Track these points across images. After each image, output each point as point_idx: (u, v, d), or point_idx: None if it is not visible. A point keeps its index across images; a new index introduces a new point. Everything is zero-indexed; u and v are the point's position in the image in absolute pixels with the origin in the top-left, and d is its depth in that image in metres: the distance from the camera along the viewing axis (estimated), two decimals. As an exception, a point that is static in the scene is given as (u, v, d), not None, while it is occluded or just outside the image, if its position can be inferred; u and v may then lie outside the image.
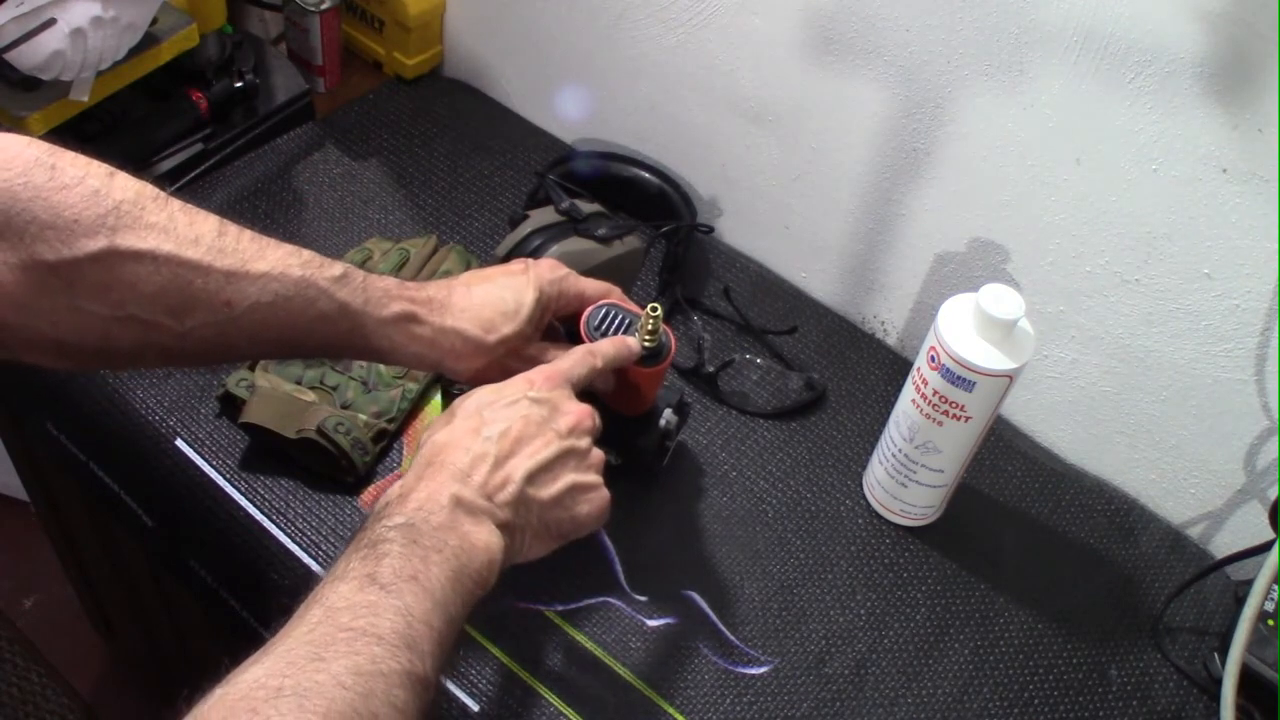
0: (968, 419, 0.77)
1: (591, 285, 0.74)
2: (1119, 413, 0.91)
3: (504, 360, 0.70)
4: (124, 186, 0.58)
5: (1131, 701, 0.80)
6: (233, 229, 0.61)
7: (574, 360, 0.68)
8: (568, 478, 0.64)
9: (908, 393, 0.79)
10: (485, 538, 0.58)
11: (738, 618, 0.80)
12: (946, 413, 0.77)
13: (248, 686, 0.45)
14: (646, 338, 0.72)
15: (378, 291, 0.65)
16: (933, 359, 0.75)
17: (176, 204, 0.60)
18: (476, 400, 0.64)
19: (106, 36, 0.85)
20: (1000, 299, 0.72)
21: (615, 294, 0.75)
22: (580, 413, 0.66)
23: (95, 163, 0.58)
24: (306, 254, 0.64)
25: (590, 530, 0.68)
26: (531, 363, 0.70)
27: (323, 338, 0.65)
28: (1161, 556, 0.90)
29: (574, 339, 0.74)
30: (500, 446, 0.62)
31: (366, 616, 0.50)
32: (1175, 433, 0.88)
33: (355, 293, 0.64)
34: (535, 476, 0.62)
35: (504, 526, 0.60)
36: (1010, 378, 0.74)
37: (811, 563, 0.84)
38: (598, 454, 0.67)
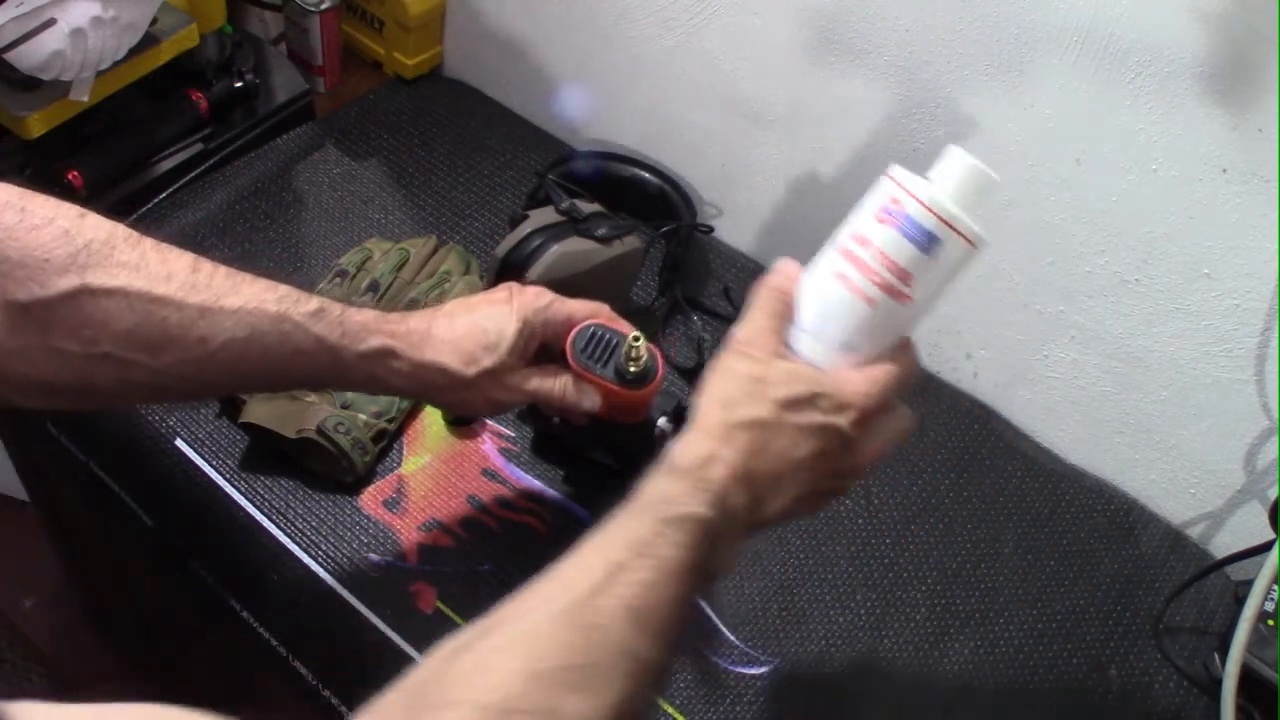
0: (908, 300, 0.59)
1: (579, 307, 0.73)
2: (1119, 413, 0.91)
3: (486, 391, 0.70)
4: (95, 226, 0.58)
5: (1131, 701, 0.80)
6: (207, 265, 0.61)
7: (894, 385, 0.60)
8: (808, 507, 0.61)
9: (827, 265, 0.61)
10: (734, 550, 0.58)
11: (738, 618, 0.80)
12: (886, 287, 0.59)
13: (527, 656, 0.48)
14: (631, 365, 0.72)
15: (355, 325, 0.65)
16: (889, 212, 0.59)
17: (149, 243, 0.60)
18: (794, 402, 0.58)
19: (106, 36, 0.85)
20: (981, 163, 0.60)
21: (604, 313, 0.74)
22: (865, 462, 0.61)
23: (66, 204, 0.58)
24: (283, 289, 0.63)
25: None
26: (515, 391, 0.70)
27: (302, 372, 0.65)
28: (1161, 556, 0.90)
29: (564, 361, 0.73)
30: (788, 468, 0.58)
31: (643, 596, 0.51)
32: (1175, 433, 0.88)
33: (332, 327, 0.64)
34: (788, 505, 0.59)
35: (746, 533, 0.59)
36: (974, 246, 0.59)
37: (811, 563, 0.84)
38: (843, 490, 0.63)
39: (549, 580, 0.52)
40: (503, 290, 0.72)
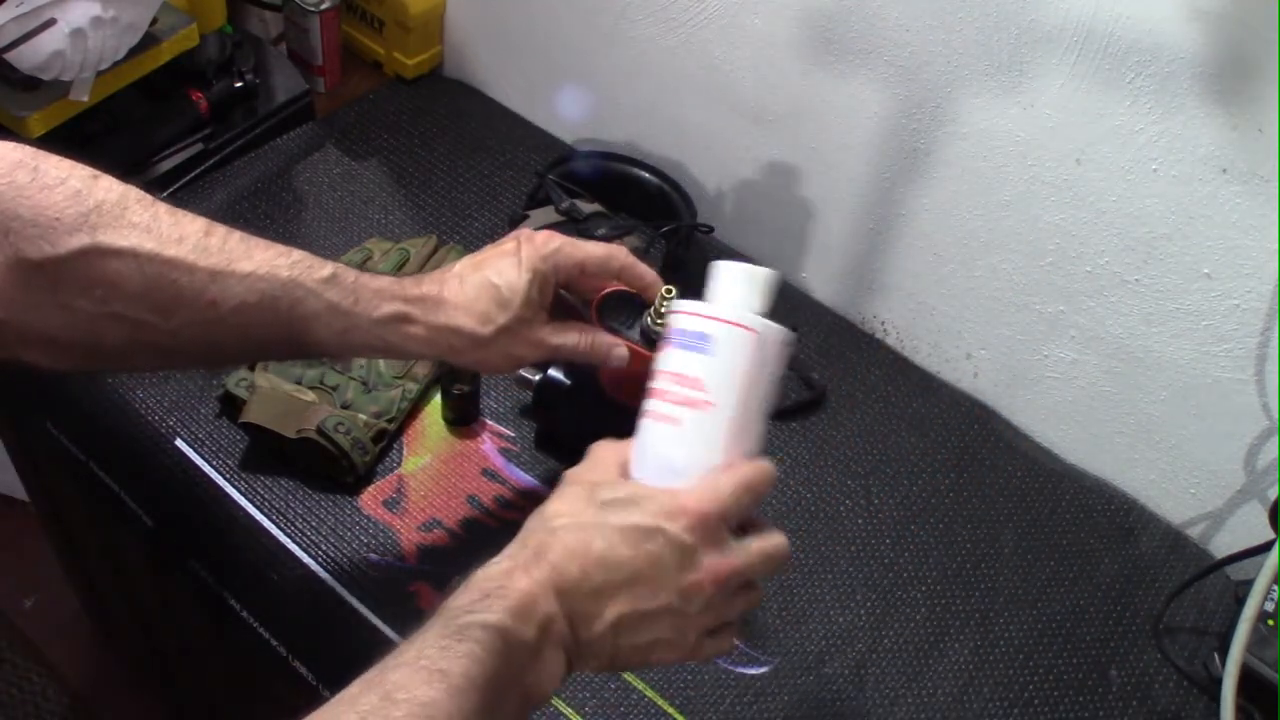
0: (710, 405, 0.58)
1: (593, 251, 0.70)
2: (1119, 413, 0.91)
3: (506, 348, 0.68)
4: (107, 188, 0.58)
5: (1131, 701, 0.80)
6: (220, 230, 0.61)
7: (734, 489, 0.57)
8: (656, 633, 0.56)
9: (641, 415, 0.61)
10: (556, 670, 0.54)
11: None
12: (683, 401, 0.58)
13: None
14: (658, 320, 0.71)
15: (369, 292, 0.65)
16: (667, 337, 0.60)
17: (163, 206, 0.60)
18: (617, 503, 0.56)
19: (106, 36, 0.85)
20: (743, 265, 0.60)
21: (619, 255, 0.71)
22: (711, 577, 0.55)
23: (79, 165, 0.58)
24: (296, 254, 0.63)
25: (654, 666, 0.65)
26: (538, 346, 0.69)
27: (316, 338, 0.64)
28: (1161, 556, 0.90)
29: (587, 309, 0.72)
30: (609, 577, 0.54)
31: (422, 714, 0.47)
32: (1175, 433, 0.88)
33: (345, 294, 0.64)
34: (624, 623, 0.55)
35: (574, 656, 0.55)
36: (755, 332, 0.58)
37: (811, 563, 0.84)
38: (704, 619, 0.57)
39: (324, 710, 0.48)
40: (511, 241, 0.70)
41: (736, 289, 0.60)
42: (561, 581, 0.54)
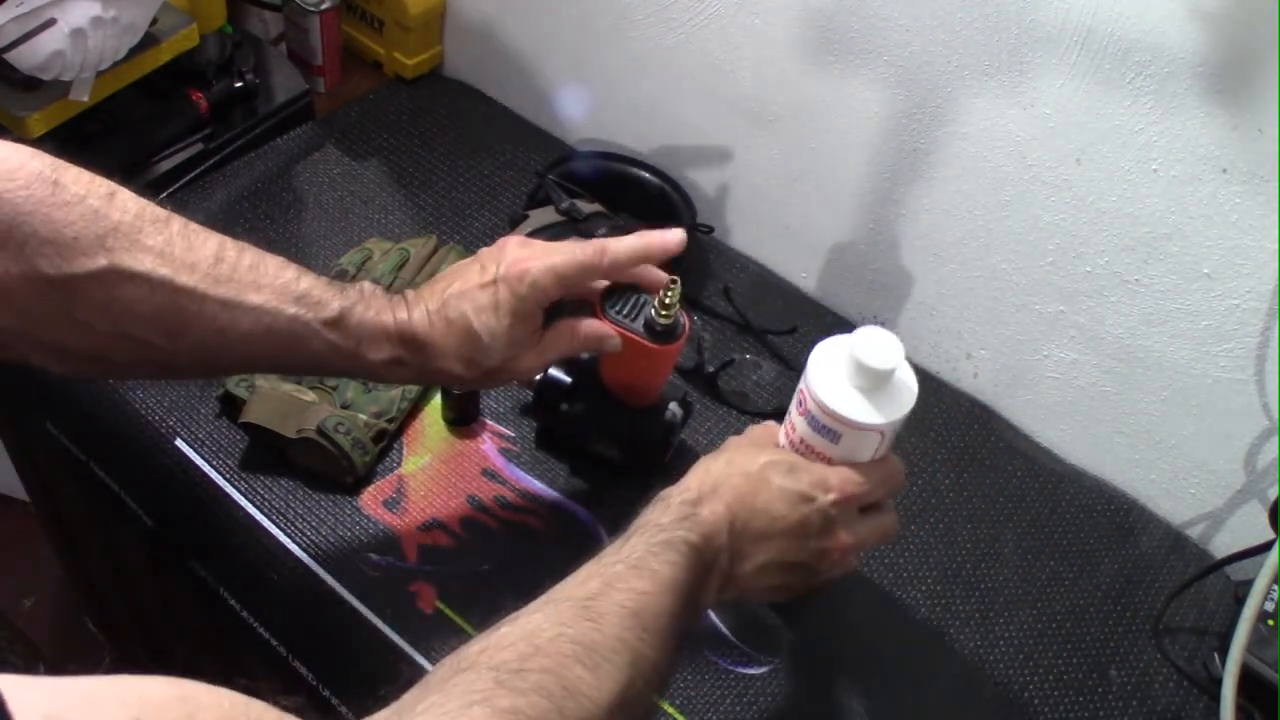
0: None
1: (566, 267, 0.68)
2: (1119, 413, 0.91)
3: (497, 379, 0.72)
4: (124, 207, 0.59)
5: (1131, 701, 0.80)
6: (231, 253, 0.62)
7: (873, 480, 0.66)
8: (785, 580, 0.66)
9: (780, 436, 0.70)
10: (715, 593, 0.63)
11: (738, 618, 0.80)
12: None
13: (532, 630, 0.52)
14: (662, 312, 0.72)
15: (370, 335, 0.66)
16: (800, 403, 0.66)
17: (177, 225, 0.61)
18: (779, 465, 0.65)
19: (106, 36, 0.85)
20: (875, 346, 0.63)
21: (599, 261, 0.69)
22: (840, 547, 0.66)
23: (99, 180, 0.59)
24: (305, 284, 0.64)
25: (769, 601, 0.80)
26: (530, 372, 0.72)
27: (314, 367, 0.67)
28: (1161, 556, 0.90)
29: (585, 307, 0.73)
30: (767, 525, 0.64)
31: (638, 600, 0.56)
32: (1175, 433, 0.88)
33: (348, 337, 0.65)
34: (767, 568, 0.64)
35: (723, 585, 0.64)
36: (881, 434, 0.65)
37: (811, 563, 0.84)
38: (822, 576, 0.67)
39: (550, 593, 0.56)
40: (489, 284, 0.68)
41: (868, 379, 0.63)
42: (733, 520, 0.63)
